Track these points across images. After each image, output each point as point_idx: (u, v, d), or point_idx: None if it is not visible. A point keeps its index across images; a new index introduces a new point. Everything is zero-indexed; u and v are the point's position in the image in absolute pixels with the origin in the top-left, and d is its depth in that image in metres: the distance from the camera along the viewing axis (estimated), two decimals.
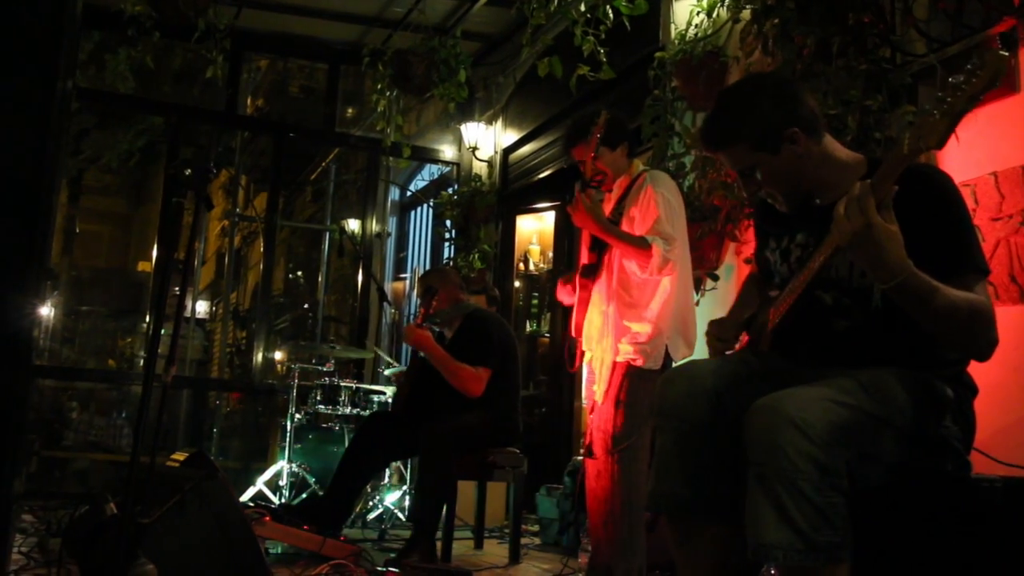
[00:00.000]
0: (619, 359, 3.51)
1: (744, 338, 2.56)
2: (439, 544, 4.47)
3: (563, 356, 3.89)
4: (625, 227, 3.59)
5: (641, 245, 3.41)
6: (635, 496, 3.45)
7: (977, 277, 2.05)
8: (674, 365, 3.56)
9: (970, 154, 3.25)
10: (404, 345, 8.65)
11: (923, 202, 1.93)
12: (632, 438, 3.46)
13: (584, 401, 3.76)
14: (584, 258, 3.72)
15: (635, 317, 3.52)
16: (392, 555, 4.25)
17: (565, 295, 3.80)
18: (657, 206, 3.49)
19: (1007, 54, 1.75)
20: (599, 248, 3.66)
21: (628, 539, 3.43)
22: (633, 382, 3.48)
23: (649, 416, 3.48)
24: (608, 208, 3.73)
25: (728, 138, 2.30)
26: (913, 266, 1.88)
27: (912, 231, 1.90)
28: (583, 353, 3.75)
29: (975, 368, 2.19)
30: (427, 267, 8.87)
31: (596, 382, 3.61)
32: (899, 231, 1.86)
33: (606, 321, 3.59)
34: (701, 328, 3.49)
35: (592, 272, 3.68)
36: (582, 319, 3.71)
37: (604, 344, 3.58)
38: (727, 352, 2.55)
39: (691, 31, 4.79)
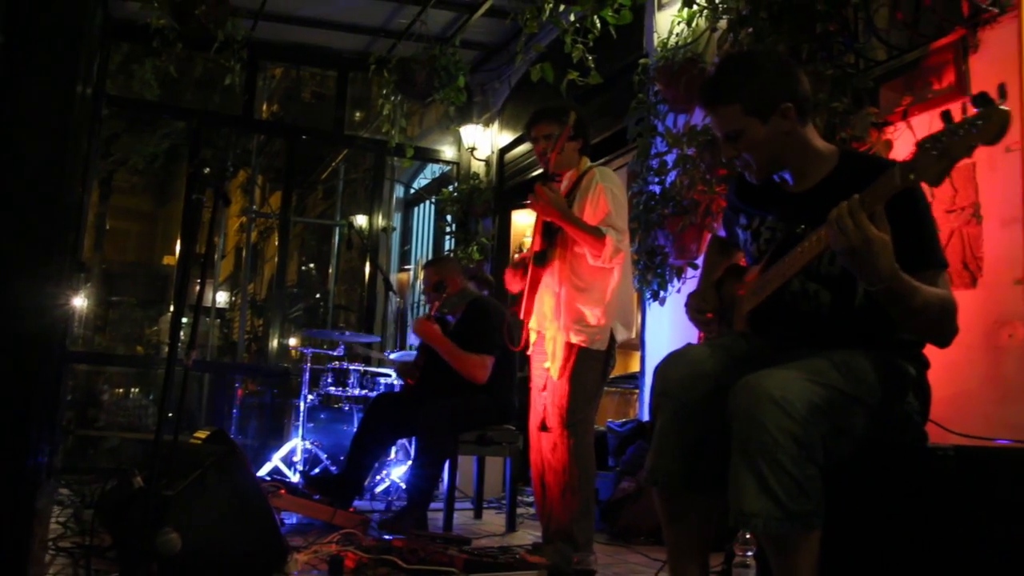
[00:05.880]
0: (573, 340, 3.50)
1: (710, 315, 2.53)
2: (442, 515, 4.49)
3: (512, 334, 3.88)
4: None
5: (597, 234, 3.40)
6: (589, 465, 3.49)
7: (939, 271, 2.05)
8: (618, 345, 3.60)
9: None
10: (410, 332, 8.66)
11: (895, 203, 1.91)
12: (584, 412, 3.49)
13: (533, 380, 3.74)
14: (537, 245, 3.69)
15: (587, 301, 3.51)
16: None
17: (515, 283, 3.77)
18: (607, 201, 3.48)
19: (1008, 110, 1.69)
20: (551, 236, 3.63)
21: (585, 506, 3.46)
22: (584, 361, 3.49)
23: (598, 392, 3.56)
24: None
25: (724, 97, 2.20)
26: (900, 270, 1.87)
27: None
28: (529, 333, 3.73)
29: (931, 345, 2.19)
30: (429, 259, 8.85)
31: (548, 360, 3.59)
32: (891, 239, 1.84)
33: (558, 303, 3.56)
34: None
35: (543, 259, 3.65)
36: (532, 303, 3.68)
37: (556, 324, 3.56)
38: (706, 318, 2.52)
39: (672, 39, 4.78)
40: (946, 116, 1.75)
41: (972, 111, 1.72)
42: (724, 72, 2.26)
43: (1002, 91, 1.72)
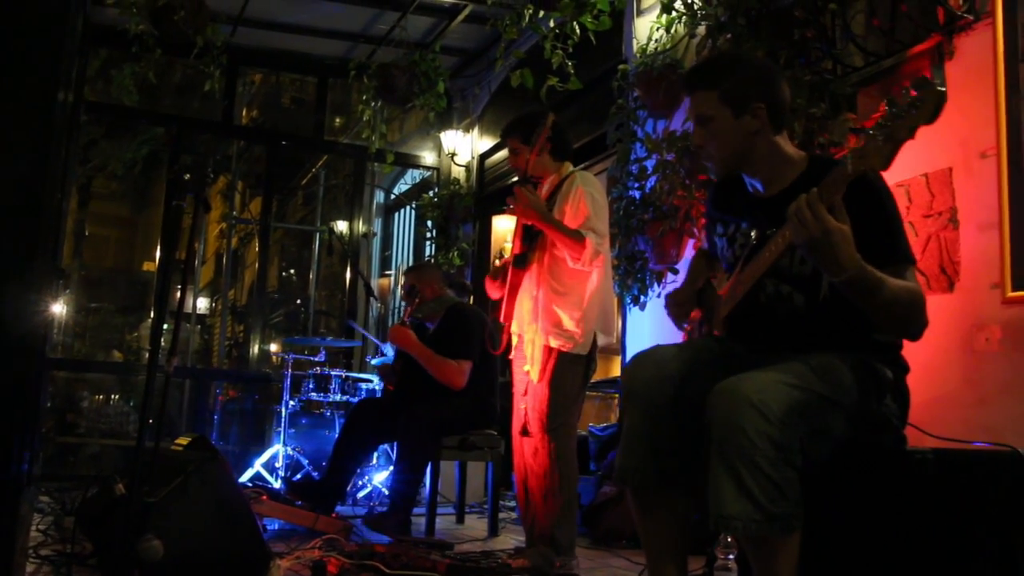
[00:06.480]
0: (552, 344, 3.50)
1: (695, 314, 2.57)
2: (424, 520, 4.48)
3: (493, 339, 3.88)
4: None
5: (576, 237, 3.40)
6: (571, 470, 3.49)
7: (907, 266, 2.09)
8: (598, 349, 3.60)
9: (903, 157, 3.27)
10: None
11: (860, 200, 1.96)
12: (565, 416, 3.49)
13: (515, 384, 3.74)
14: (516, 248, 3.70)
15: (565, 304, 3.51)
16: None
17: (494, 290, 3.78)
18: (587, 205, 3.49)
19: (944, 89, 1.74)
20: (531, 239, 3.65)
21: (567, 510, 3.46)
22: (564, 365, 3.49)
23: (579, 397, 3.56)
24: None
25: (704, 82, 2.29)
26: (863, 261, 1.89)
27: (852, 225, 1.91)
28: (510, 337, 3.73)
29: (909, 349, 2.21)
30: (410, 265, 8.85)
31: (527, 363, 3.59)
32: (850, 230, 1.87)
33: (536, 305, 3.57)
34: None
35: (523, 262, 3.66)
36: (511, 306, 3.68)
37: (534, 327, 3.56)
38: (684, 319, 2.56)
39: (651, 45, 4.80)
40: (890, 100, 1.81)
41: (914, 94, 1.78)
42: (711, 60, 2.40)
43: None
